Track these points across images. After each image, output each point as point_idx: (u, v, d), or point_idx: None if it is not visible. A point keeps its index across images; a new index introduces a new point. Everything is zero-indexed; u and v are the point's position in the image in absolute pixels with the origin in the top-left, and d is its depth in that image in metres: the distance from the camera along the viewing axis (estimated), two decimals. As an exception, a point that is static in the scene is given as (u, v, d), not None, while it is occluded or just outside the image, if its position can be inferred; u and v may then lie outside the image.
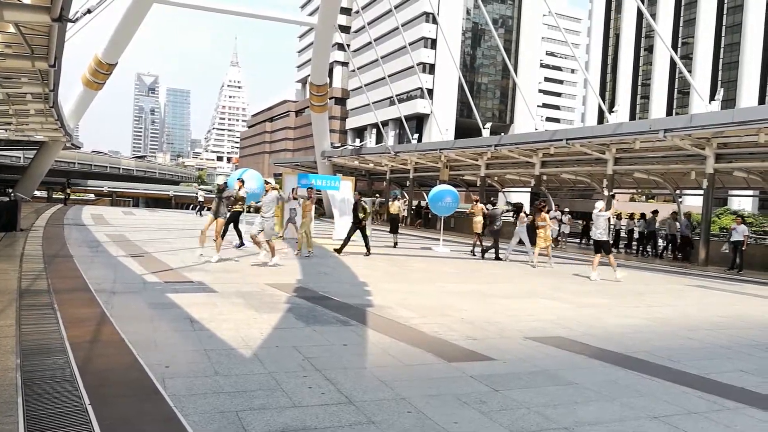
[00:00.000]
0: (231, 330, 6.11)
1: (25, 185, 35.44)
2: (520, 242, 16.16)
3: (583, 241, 25.92)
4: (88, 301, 7.11)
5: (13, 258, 10.59)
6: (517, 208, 16.67)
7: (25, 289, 7.61)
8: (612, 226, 19.84)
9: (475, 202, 18.50)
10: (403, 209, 36.59)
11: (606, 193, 21.28)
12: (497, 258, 16.52)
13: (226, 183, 14.30)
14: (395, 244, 18.40)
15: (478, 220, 17.70)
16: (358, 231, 15.47)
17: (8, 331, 5.48)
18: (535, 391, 4.71)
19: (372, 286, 9.90)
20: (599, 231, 13.18)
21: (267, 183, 13.26)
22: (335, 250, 15.28)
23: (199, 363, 4.90)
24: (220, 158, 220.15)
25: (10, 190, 16.52)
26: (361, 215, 15.39)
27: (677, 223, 21.30)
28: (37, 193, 41.56)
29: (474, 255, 17.40)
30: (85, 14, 10.68)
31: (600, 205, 13.41)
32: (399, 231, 19.60)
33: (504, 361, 5.56)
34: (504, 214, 19.09)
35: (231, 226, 13.95)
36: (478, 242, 17.64)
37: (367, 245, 15.43)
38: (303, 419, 3.79)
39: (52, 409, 3.69)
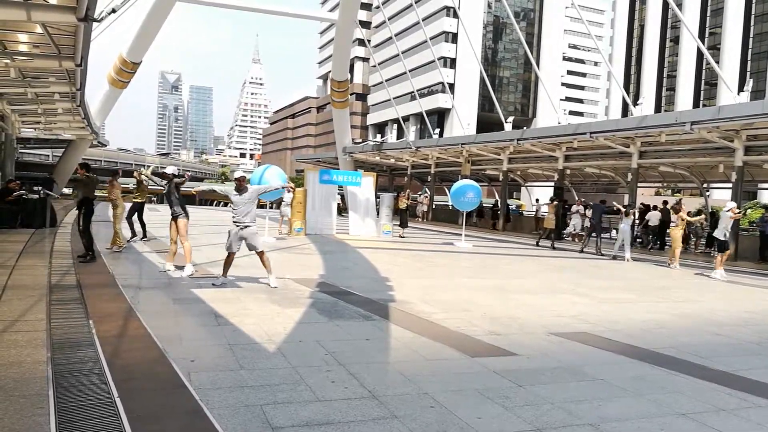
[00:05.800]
0: (255, 325, 6.17)
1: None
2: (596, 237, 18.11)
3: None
4: (115, 296, 7.25)
5: (43, 254, 10.84)
6: (628, 205, 17.73)
7: (54, 285, 7.78)
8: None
9: (550, 201, 20.99)
10: (425, 205, 36.58)
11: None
12: (598, 251, 17.84)
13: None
14: (401, 235, 20.50)
15: (551, 216, 19.97)
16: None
17: (39, 325, 5.61)
18: (559, 386, 4.67)
19: (393, 281, 9.91)
20: (721, 230, 13.56)
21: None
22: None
23: (224, 357, 4.96)
24: (242, 155, 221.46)
25: (40, 188, 16.87)
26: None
27: None
28: (66, 190, 42.37)
29: (554, 248, 19.15)
30: (110, 14, 10.83)
31: (731, 204, 13.81)
32: (409, 225, 22.01)
33: (527, 357, 5.53)
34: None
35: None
36: (551, 235, 20.06)
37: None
38: (327, 413, 3.82)
39: (81, 401, 3.77)
